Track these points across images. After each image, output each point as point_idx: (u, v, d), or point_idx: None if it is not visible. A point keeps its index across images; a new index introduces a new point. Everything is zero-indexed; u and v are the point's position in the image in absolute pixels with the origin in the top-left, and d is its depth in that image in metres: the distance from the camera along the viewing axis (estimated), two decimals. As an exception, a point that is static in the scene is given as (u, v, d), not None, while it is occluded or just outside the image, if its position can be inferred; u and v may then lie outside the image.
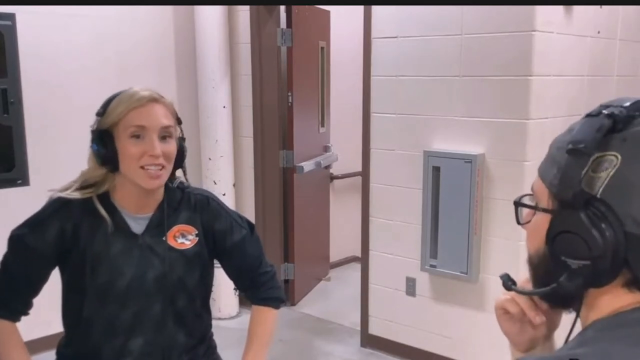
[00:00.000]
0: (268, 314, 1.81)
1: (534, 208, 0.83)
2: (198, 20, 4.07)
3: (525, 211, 0.87)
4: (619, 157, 0.73)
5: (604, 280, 0.76)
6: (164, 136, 1.54)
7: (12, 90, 3.42)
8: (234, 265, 1.76)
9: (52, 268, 1.62)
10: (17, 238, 1.59)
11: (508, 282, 0.91)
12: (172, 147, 1.56)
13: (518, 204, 0.87)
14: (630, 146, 0.73)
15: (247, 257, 1.76)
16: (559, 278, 0.78)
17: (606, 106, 0.78)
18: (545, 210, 0.80)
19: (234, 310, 4.25)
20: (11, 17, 3.39)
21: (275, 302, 1.82)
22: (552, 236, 0.78)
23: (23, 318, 1.63)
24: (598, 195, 0.74)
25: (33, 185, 3.52)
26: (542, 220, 0.80)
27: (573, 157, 0.75)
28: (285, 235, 4.46)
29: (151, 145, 1.50)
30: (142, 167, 1.51)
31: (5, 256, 1.61)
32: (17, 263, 1.60)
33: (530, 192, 0.86)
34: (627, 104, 0.77)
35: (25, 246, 1.57)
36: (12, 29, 3.39)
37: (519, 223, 0.88)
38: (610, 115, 0.75)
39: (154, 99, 1.54)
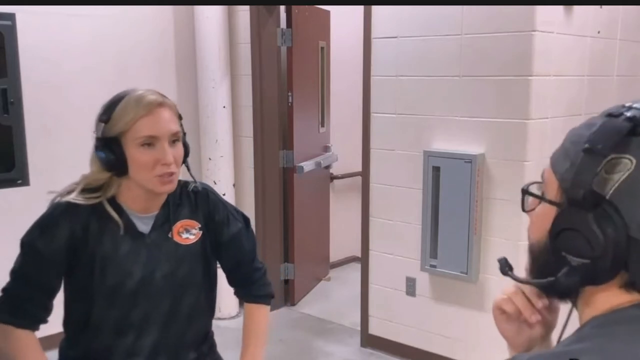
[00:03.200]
0: (261, 311, 1.83)
1: (541, 199, 0.83)
2: (198, 20, 4.06)
3: (531, 199, 0.87)
4: (634, 161, 0.73)
5: (601, 280, 0.77)
6: (173, 141, 1.53)
7: (12, 90, 3.41)
8: (229, 258, 1.76)
9: (65, 271, 1.60)
10: (28, 244, 1.57)
11: (505, 267, 0.91)
12: (180, 150, 1.56)
13: (526, 192, 0.87)
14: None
15: (241, 250, 1.76)
16: (557, 272, 0.79)
17: (629, 107, 0.77)
18: (552, 203, 0.80)
19: (234, 310, 4.25)
20: (11, 17, 3.39)
21: (267, 299, 1.85)
22: (556, 230, 0.78)
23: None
24: (607, 197, 0.74)
25: (33, 185, 3.51)
26: (548, 211, 0.81)
27: (588, 157, 0.75)
28: (285, 235, 4.45)
29: (163, 153, 1.49)
30: (155, 175, 1.51)
31: (18, 263, 1.59)
32: (30, 269, 1.57)
33: (540, 180, 0.86)
34: None
35: (37, 251, 1.55)
36: (12, 29, 3.39)
37: (524, 210, 0.88)
38: (631, 119, 0.75)
39: (161, 104, 1.51)
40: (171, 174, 1.52)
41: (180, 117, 1.61)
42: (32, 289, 1.58)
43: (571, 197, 0.76)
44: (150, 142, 1.49)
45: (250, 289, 1.82)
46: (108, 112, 1.51)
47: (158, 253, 1.60)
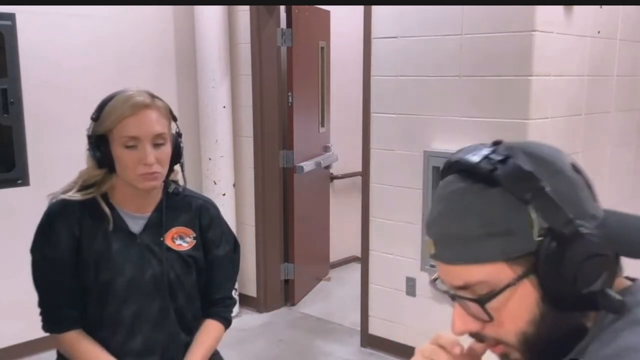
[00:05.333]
0: (218, 327, 1.80)
1: (513, 284, 0.74)
2: (198, 20, 4.06)
3: (495, 301, 0.76)
4: (543, 182, 0.74)
5: (618, 269, 0.77)
6: (157, 143, 1.55)
7: (12, 90, 3.42)
8: (208, 277, 1.76)
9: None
10: (37, 255, 1.61)
11: None
12: (165, 152, 1.58)
13: (486, 300, 0.76)
14: (538, 169, 0.75)
15: (221, 274, 1.78)
16: (580, 317, 0.76)
17: (486, 157, 0.77)
18: (525, 275, 0.74)
19: (234, 310, 4.25)
20: (11, 17, 3.39)
21: (228, 322, 1.83)
22: (560, 283, 0.73)
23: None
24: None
25: (33, 185, 3.51)
26: (522, 291, 0.75)
27: (540, 200, 0.73)
28: (285, 235, 4.45)
29: (144, 154, 1.53)
30: (137, 174, 1.54)
31: (35, 274, 1.63)
32: (49, 277, 1.61)
33: (464, 292, 0.78)
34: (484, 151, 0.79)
35: (48, 260, 1.59)
36: (12, 29, 3.39)
37: (491, 318, 0.77)
38: (507, 157, 0.76)
39: (147, 105, 1.54)
40: (153, 172, 1.55)
41: (174, 119, 1.63)
42: (59, 295, 1.61)
43: (566, 234, 0.72)
44: (133, 143, 1.52)
45: (216, 309, 1.81)
46: (98, 111, 1.56)
47: (149, 254, 1.62)
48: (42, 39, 3.55)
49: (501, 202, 0.74)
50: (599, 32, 3.36)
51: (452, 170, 0.81)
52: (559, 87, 3.13)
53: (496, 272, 0.75)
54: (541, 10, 2.92)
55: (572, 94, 3.25)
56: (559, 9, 3.06)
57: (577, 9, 3.13)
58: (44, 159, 3.58)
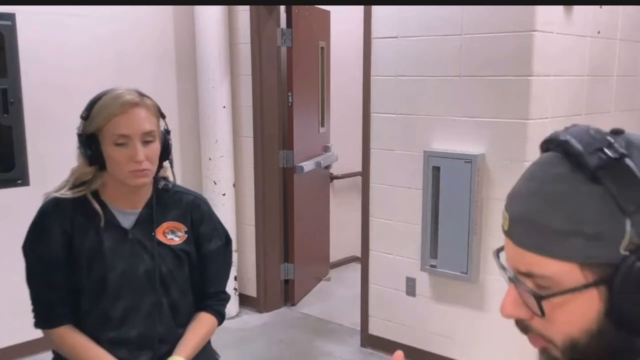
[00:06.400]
0: (211, 320, 1.80)
1: (581, 288, 0.69)
2: (198, 20, 4.07)
3: (553, 300, 0.72)
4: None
5: None
6: (147, 140, 1.58)
7: (12, 90, 3.42)
8: (201, 271, 1.77)
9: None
10: (29, 252, 1.63)
11: None
12: (154, 149, 1.60)
13: (546, 295, 0.72)
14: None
15: (213, 269, 1.79)
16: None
17: (598, 148, 0.70)
18: (595, 284, 0.69)
19: (234, 310, 4.25)
20: (11, 17, 3.39)
21: (222, 316, 1.84)
22: (638, 306, 0.68)
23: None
24: None
25: (33, 185, 3.52)
26: (586, 299, 0.71)
27: None
28: (285, 235, 4.45)
29: (134, 152, 1.55)
30: (128, 171, 1.57)
31: (28, 271, 1.64)
32: (41, 274, 1.63)
33: (525, 280, 0.74)
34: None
35: (40, 257, 1.61)
36: (12, 29, 3.39)
37: (544, 315, 0.73)
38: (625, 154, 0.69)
39: (136, 103, 1.56)
40: (143, 169, 1.57)
41: (162, 116, 1.66)
42: (51, 292, 1.63)
43: None
44: (123, 141, 1.55)
45: (210, 303, 1.81)
46: (88, 110, 1.59)
47: (140, 249, 1.65)
48: (42, 39, 3.55)
49: (599, 203, 0.68)
50: (599, 32, 3.36)
51: (558, 148, 0.74)
52: (559, 87, 3.13)
53: (565, 272, 0.70)
54: (541, 10, 2.92)
55: (572, 94, 3.25)
56: (559, 9, 3.06)
57: (577, 9, 3.13)
58: (43, 158, 3.58)
